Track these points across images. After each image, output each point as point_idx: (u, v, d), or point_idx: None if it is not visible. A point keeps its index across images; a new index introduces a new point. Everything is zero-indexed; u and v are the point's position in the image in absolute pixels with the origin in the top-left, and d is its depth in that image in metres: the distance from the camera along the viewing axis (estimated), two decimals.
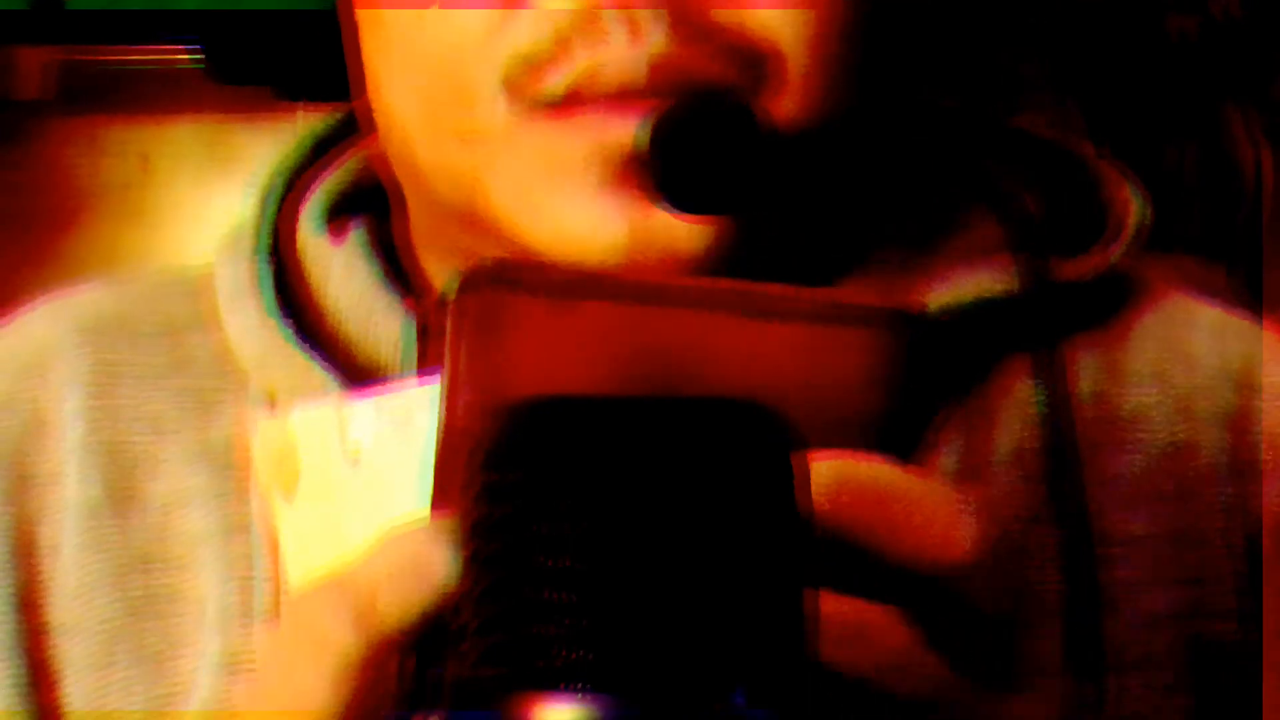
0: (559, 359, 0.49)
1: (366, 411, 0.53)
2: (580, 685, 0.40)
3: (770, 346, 0.49)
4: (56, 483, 0.70)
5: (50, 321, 0.74)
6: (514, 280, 0.49)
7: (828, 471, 0.48)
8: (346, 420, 0.53)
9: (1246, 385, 0.70)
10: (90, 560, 0.68)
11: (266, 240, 0.72)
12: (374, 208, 0.73)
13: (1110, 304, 0.71)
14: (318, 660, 0.47)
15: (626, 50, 0.60)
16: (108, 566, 0.68)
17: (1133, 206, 0.71)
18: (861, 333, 0.50)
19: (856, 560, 0.48)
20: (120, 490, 0.69)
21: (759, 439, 0.43)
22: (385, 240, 0.72)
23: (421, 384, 0.52)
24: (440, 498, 0.49)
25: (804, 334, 0.49)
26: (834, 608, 0.47)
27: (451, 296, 0.49)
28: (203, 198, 2.57)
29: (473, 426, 0.44)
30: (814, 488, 0.46)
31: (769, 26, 0.62)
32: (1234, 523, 0.68)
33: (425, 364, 0.52)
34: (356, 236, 0.71)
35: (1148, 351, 0.70)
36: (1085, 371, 0.69)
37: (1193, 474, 0.68)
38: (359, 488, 0.53)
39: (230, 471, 0.69)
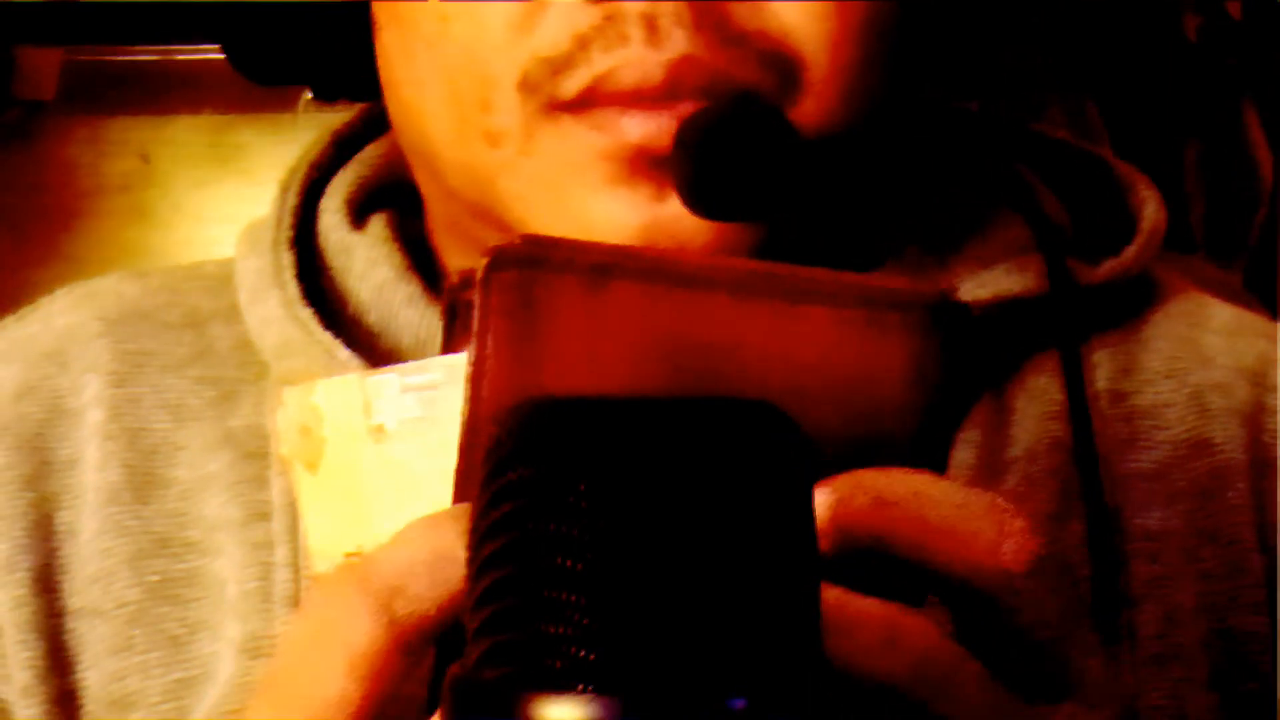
0: (590, 343, 0.48)
1: (391, 385, 0.52)
2: (586, 686, 0.40)
3: (807, 331, 0.48)
4: (76, 467, 0.70)
5: (72, 310, 0.74)
6: (544, 260, 0.48)
7: (870, 484, 0.47)
8: (371, 394, 0.52)
9: (1262, 382, 0.70)
10: (109, 544, 0.69)
11: (288, 232, 0.72)
12: (399, 202, 0.73)
13: (1125, 303, 0.71)
14: (334, 649, 0.46)
15: (643, 53, 0.60)
16: (126, 551, 0.68)
17: (1149, 208, 0.72)
18: (902, 318, 0.48)
19: (896, 570, 0.47)
20: (140, 476, 0.70)
21: (768, 441, 0.42)
22: (410, 233, 0.72)
23: (447, 359, 0.51)
24: (463, 485, 0.48)
25: (843, 318, 0.48)
26: (863, 610, 0.45)
27: (479, 275, 0.48)
28: (206, 195, 2.57)
29: (500, 412, 0.43)
30: (857, 501, 0.46)
31: (791, 30, 0.62)
32: (1260, 519, 0.68)
33: (450, 347, 0.51)
34: (378, 228, 0.72)
35: (1163, 350, 0.70)
36: (1101, 370, 0.70)
37: (1212, 470, 0.68)
38: (382, 462, 0.52)
39: (251, 459, 0.69)
